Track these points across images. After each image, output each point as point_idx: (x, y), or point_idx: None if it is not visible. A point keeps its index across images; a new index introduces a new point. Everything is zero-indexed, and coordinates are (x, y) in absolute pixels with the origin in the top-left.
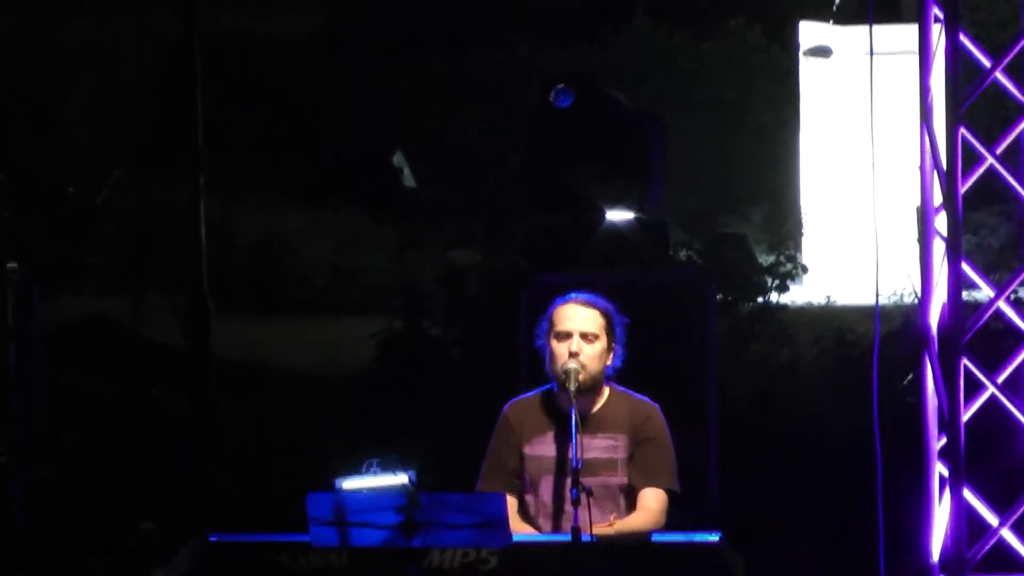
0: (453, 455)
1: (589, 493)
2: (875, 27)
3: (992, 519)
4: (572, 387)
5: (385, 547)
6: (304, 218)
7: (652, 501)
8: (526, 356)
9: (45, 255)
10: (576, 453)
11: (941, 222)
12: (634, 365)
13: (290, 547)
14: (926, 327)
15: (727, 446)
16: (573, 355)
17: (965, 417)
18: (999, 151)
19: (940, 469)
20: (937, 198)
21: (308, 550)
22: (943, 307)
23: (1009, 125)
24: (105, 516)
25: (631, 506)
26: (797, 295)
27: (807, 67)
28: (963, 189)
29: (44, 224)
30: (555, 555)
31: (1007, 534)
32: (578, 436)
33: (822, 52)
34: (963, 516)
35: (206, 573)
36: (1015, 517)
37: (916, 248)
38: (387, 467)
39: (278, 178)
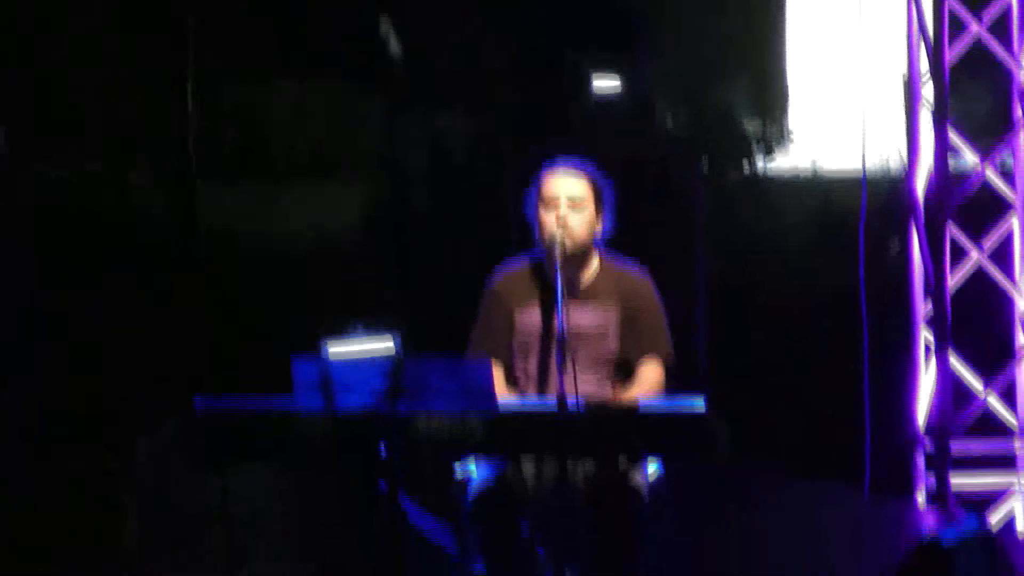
0: (440, 324)
1: (575, 360)
2: None
3: (978, 386)
4: (558, 254)
5: (370, 412)
6: (290, 88)
7: (651, 372)
8: (514, 224)
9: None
10: (562, 320)
11: (928, 89)
12: (621, 234)
13: (276, 411)
14: (912, 195)
15: (713, 315)
16: (561, 223)
17: (951, 284)
18: (987, 22)
19: (926, 336)
20: (924, 66)
21: (294, 414)
22: (929, 175)
23: None
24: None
25: (621, 374)
26: (783, 162)
27: None
28: (950, 56)
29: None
30: (541, 422)
31: (992, 400)
32: (564, 303)
33: None
34: (948, 383)
35: (191, 438)
36: (1001, 383)
37: (903, 116)
38: (372, 331)
39: (264, 48)
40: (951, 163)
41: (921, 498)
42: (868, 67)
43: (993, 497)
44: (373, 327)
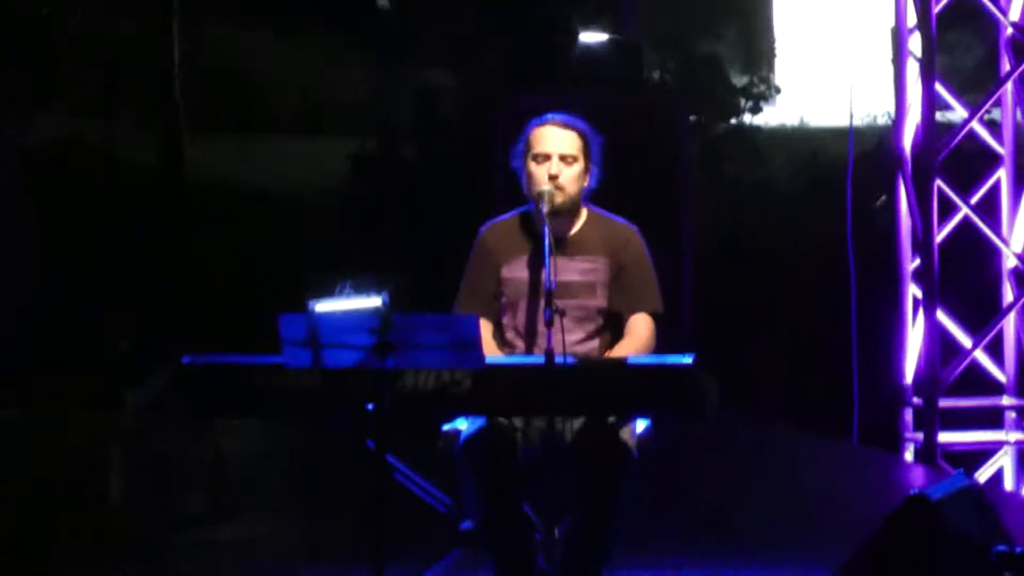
0: (428, 277)
1: (563, 314)
2: None
3: (966, 341)
4: (547, 209)
5: (358, 367)
6: (278, 40)
7: (642, 327)
8: (502, 177)
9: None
10: (550, 274)
11: (915, 42)
12: (608, 188)
13: (264, 368)
14: (899, 148)
15: (701, 267)
16: (553, 177)
17: (939, 238)
18: None
19: (914, 291)
20: (911, 19)
21: (282, 371)
22: (917, 128)
23: None
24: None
25: (610, 329)
26: (771, 116)
27: None
28: (937, 9)
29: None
30: (529, 377)
31: (980, 355)
32: (552, 257)
33: None
34: (936, 338)
35: (179, 395)
36: (988, 338)
37: (890, 69)
38: (360, 289)
39: (252, 2)
40: (938, 116)
41: (909, 453)
42: (856, 20)
43: (982, 452)
44: (362, 286)
